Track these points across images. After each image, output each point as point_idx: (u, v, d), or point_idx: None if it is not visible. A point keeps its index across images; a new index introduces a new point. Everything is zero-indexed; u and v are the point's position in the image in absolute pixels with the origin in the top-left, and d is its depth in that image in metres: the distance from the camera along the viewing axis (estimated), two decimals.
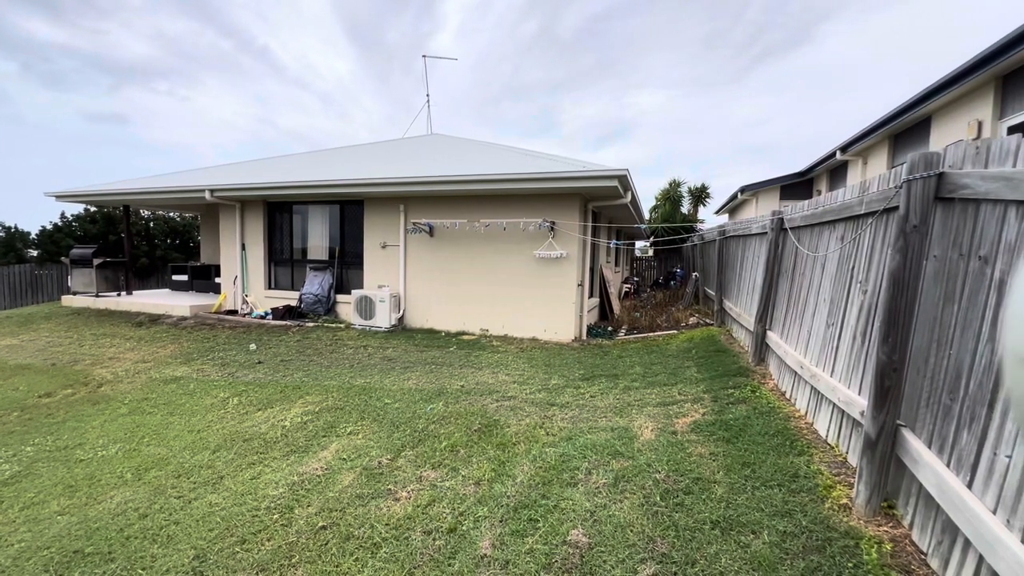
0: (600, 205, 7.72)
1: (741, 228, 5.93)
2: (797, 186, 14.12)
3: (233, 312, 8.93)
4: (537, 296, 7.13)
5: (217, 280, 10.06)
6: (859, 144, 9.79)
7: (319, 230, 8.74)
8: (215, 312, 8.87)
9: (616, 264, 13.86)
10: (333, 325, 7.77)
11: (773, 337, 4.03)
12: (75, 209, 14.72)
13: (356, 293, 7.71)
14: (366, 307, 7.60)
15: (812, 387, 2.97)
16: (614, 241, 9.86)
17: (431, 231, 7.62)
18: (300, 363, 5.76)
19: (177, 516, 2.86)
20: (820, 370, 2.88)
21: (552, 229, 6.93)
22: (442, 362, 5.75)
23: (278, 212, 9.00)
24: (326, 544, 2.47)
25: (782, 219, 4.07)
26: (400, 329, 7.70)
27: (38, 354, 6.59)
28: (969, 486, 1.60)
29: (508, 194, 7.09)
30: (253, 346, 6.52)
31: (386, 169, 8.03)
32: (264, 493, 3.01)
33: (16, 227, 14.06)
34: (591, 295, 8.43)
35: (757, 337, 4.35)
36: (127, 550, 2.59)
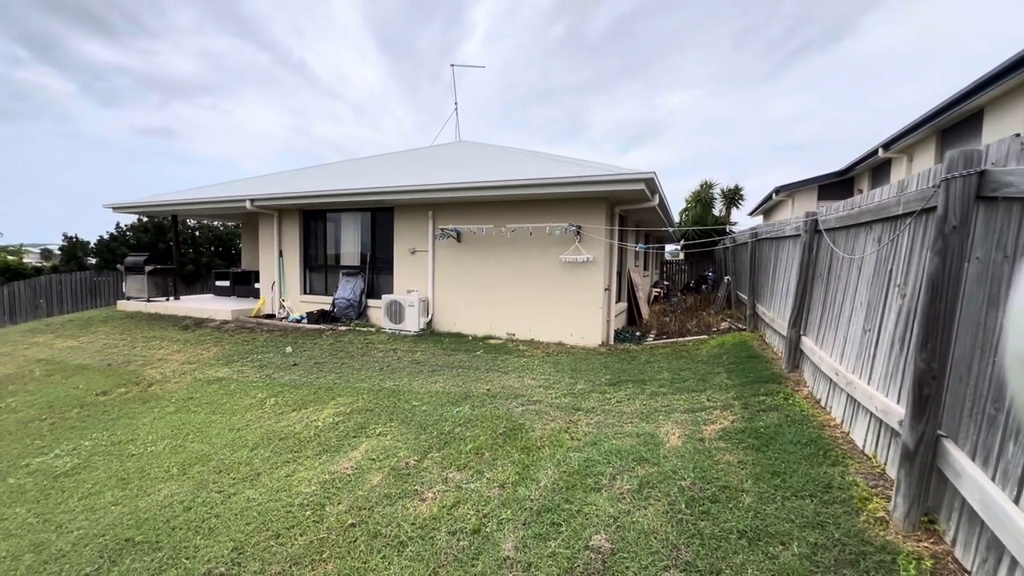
0: (627, 208, 7.65)
1: (774, 230, 5.75)
2: (836, 186, 13.55)
3: (271, 316, 9.32)
4: (563, 300, 7.12)
5: (256, 285, 10.52)
6: (903, 140, 9.32)
7: (351, 237, 9.03)
8: (254, 316, 9.28)
9: (645, 268, 13.65)
10: (364, 329, 7.99)
11: (807, 343, 3.89)
12: (129, 219, 15.73)
13: (386, 298, 7.90)
14: (396, 311, 7.78)
15: (848, 395, 2.86)
16: (641, 245, 9.73)
17: (459, 236, 7.74)
18: (333, 365, 5.95)
19: (218, 510, 3.02)
20: (856, 377, 2.76)
21: (578, 233, 6.92)
22: (469, 366, 5.82)
23: (313, 220, 9.35)
24: (355, 541, 2.55)
25: (816, 220, 3.94)
26: (428, 333, 7.84)
27: (96, 355, 7.07)
28: (1016, 501, 1.51)
29: (534, 199, 7.13)
30: (289, 349, 6.78)
31: (415, 177, 8.22)
32: (298, 490, 3.14)
33: (77, 237, 15.16)
34: (619, 299, 8.35)
35: (791, 343, 4.20)
36: (172, 540, 2.75)
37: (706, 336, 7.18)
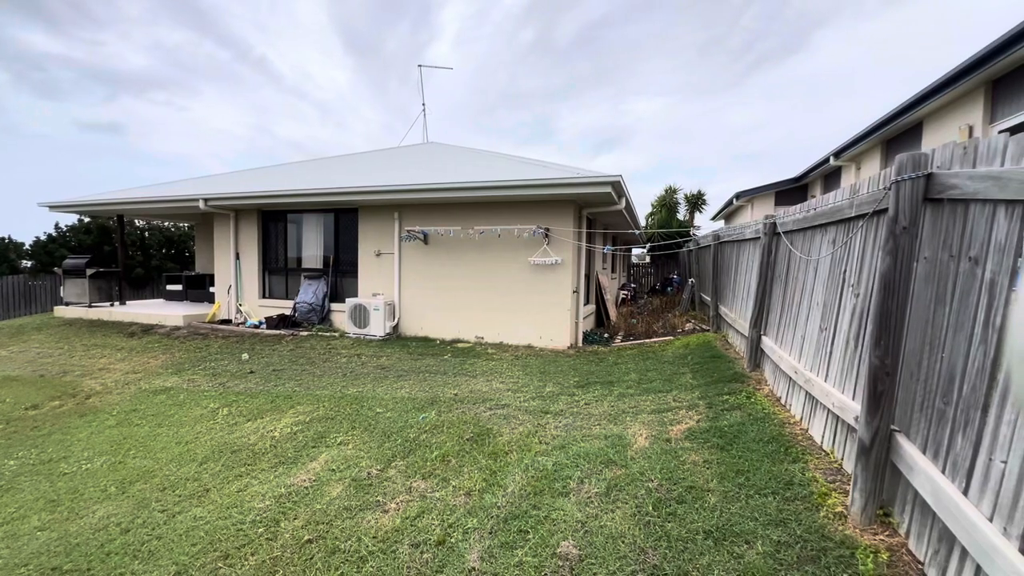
0: (595, 211, 7.73)
1: (735, 233, 5.92)
2: (792, 192, 14.19)
3: (227, 322, 8.87)
4: (532, 303, 7.09)
5: (211, 289, 10.00)
6: (852, 150, 9.85)
7: (313, 238, 8.71)
8: (209, 322, 8.80)
9: (612, 271, 13.85)
10: (327, 334, 7.71)
11: (768, 342, 3.99)
12: (69, 219, 14.68)
13: (350, 301, 7.66)
14: (360, 315, 7.55)
15: (807, 392, 2.93)
16: (608, 247, 9.85)
17: (426, 239, 7.60)
18: (292, 372, 5.70)
19: (160, 531, 2.80)
20: (814, 375, 2.84)
21: (547, 236, 6.92)
22: (436, 370, 5.69)
23: (272, 221, 8.97)
24: (311, 558, 2.41)
25: (775, 223, 4.06)
26: (395, 337, 7.64)
27: (27, 365, 6.51)
28: (965, 493, 1.56)
29: (502, 201, 7.08)
30: (245, 356, 6.45)
31: (381, 177, 8.02)
32: (250, 506, 2.95)
33: (10, 238, 14.01)
34: (587, 302, 8.40)
35: (752, 342, 4.31)
36: (106, 567, 2.52)
37: (672, 337, 7.32)
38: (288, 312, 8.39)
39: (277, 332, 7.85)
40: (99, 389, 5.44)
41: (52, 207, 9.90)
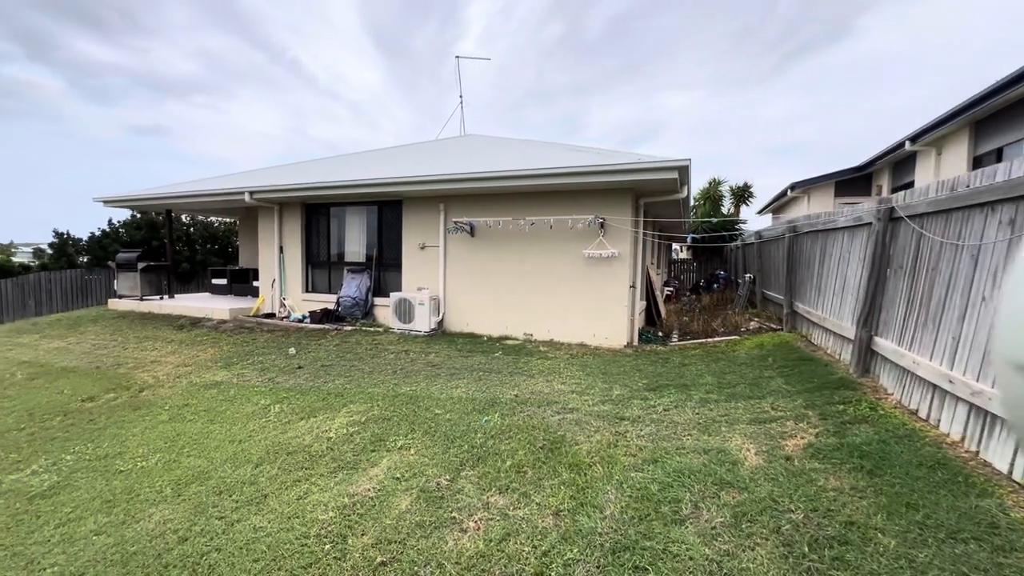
0: (651, 201, 7.22)
1: (820, 222, 5.32)
2: (854, 182, 13.20)
3: (271, 315, 8.83)
4: (586, 299, 6.67)
5: (255, 284, 10.03)
6: (933, 133, 8.95)
7: (356, 232, 8.55)
8: (253, 315, 8.79)
9: (657, 266, 13.24)
10: (371, 329, 7.52)
11: (886, 344, 3.45)
12: (122, 215, 15.20)
13: (395, 296, 7.44)
14: (405, 310, 7.32)
15: (973, 406, 2.42)
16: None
17: (472, 231, 7.29)
18: (341, 368, 5.49)
19: (219, 541, 2.55)
20: (989, 386, 2.32)
21: (603, 227, 6.48)
22: (489, 369, 5.37)
23: (316, 214, 8.87)
24: None
25: (892, 207, 3.51)
26: (440, 333, 7.37)
27: (83, 357, 6.57)
28: None
29: (554, 190, 6.68)
30: (292, 350, 6.31)
31: (426, 167, 7.76)
32: (313, 517, 2.67)
33: (68, 233, 14.57)
34: (641, 298, 7.91)
35: (860, 344, 3.77)
36: None
37: (736, 336, 6.76)
38: (331, 306, 8.26)
39: (321, 326, 7.71)
40: (151, 382, 5.38)
41: (106, 202, 10.14)
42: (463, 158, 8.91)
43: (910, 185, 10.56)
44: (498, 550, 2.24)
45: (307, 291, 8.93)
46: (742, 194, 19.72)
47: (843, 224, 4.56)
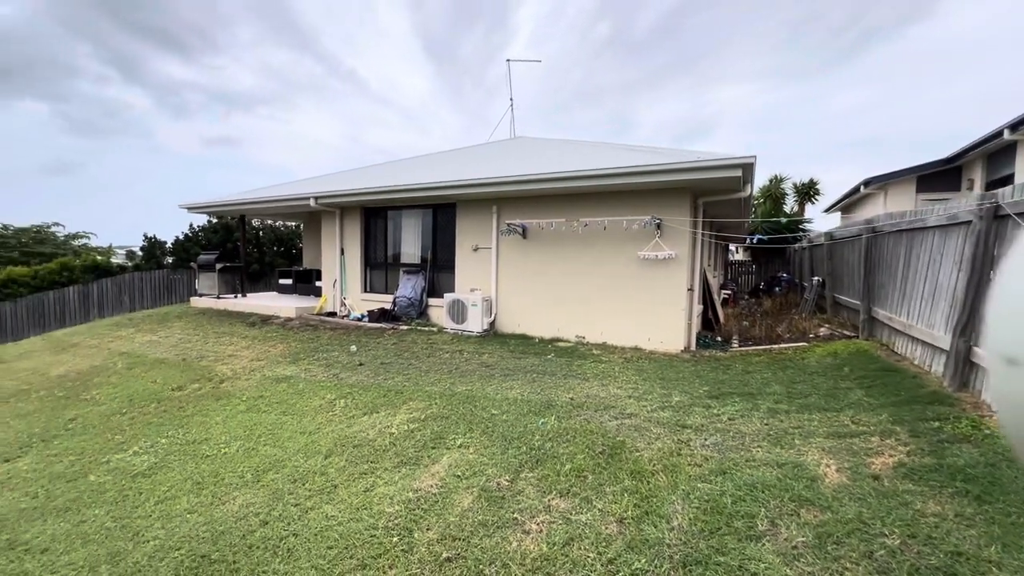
0: (710, 200, 6.94)
1: (905, 222, 4.89)
2: (939, 176, 12.02)
3: (332, 314, 9.30)
4: (641, 301, 6.51)
5: (318, 284, 10.60)
6: None
7: (412, 234, 8.83)
8: (316, 314, 9.29)
9: (714, 268, 12.69)
10: (426, 328, 7.73)
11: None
12: (201, 221, 16.56)
13: (448, 297, 7.61)
14: (458, 311, 7.47)
15: None
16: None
17: (524, 232, 7.32)
18: (399, 366, 5.68)
19: (295, 527, 2.72)
20: None
21: (659, 228, 6.29)
22: (543, 371, 5.36)
23: (374, 218, 9.25)
24: None
25: (997, 205, 3.16)
26: (492, 334, 7.46)
27: (172, 349, 7.22)
28: None
29: (608, 191, 6.58)
30: (354, 348, 6.61)
31: (480, 170, 7.88)
32: (379, 509, 2.79)
33: (156, 237, 16.10)
34: (698, 301, 7.61)
35: (956, 355, 3.42)
36: (250, 561, 2.46)
37: (804, 343, 6.35)
38: (388, 306, 8.58)
39: (379, 325, 8.03)
40: (229, 374, 5.81)
41: (189, 208, 11.11)
42: (514, 160, 8.98)
43: (1008, 179, 9.47)
44: (562, 554, 2.23)
45: (365, 291, 9.33)
46: (807, 192, 18.52)
47: (934, 223, 4.16)
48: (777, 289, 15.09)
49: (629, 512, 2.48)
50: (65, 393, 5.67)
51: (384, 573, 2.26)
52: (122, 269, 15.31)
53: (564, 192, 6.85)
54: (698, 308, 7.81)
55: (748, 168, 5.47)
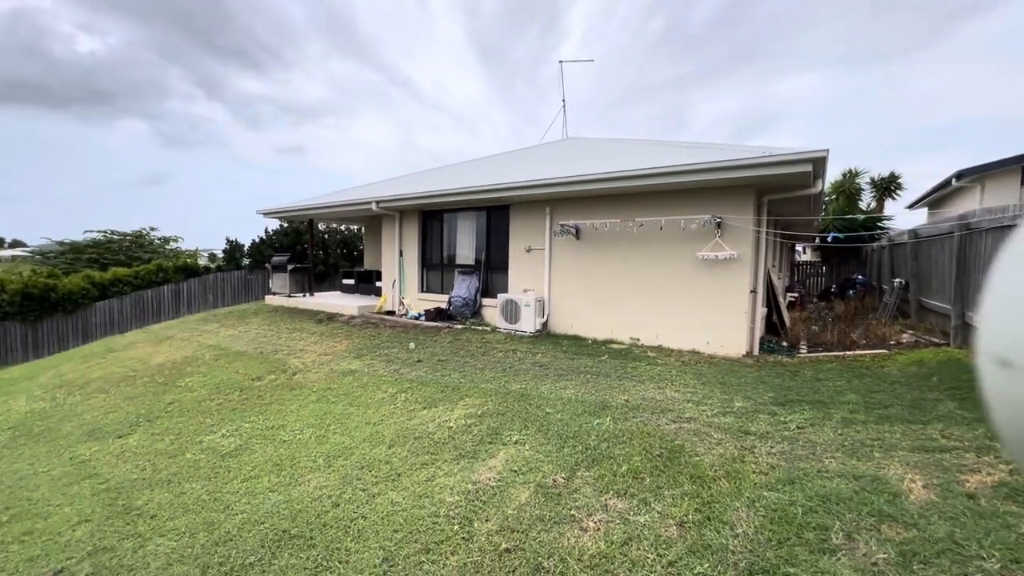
0: (775, 198, 6.57)
1: (1008, 217, 4.40)
2: None
3: (391, 313, 9.73)
4: (699, 303, 6.29)
5: (378, 284, 11.13)
6: None
7: (467, 236, 9.07)
8: (377, 312, 9.77)
9: (779, 269, 11.97)
10: (480, 328, 7.91)
11: None
12: (273, 224, 17.90)
13: (502, 297, 7.74)
14: (511, 311, 7.57)
15: None
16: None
17: (577, 233, 7.30)
18: (455, 364, 5.86)
19: (364, 510, 2.90)
20: None
21: (719, 227, 6.06)
22: (597, 372, 5.33)
23: (430, 220, 9.59)
24: (514, 572, 2.21)
25: None
26: (544, 334, 7.50)
27: (250, 344, 7.87)
28: None
29: (664, 190, 6.42)
30: (412, 345, 6.89)
31: (534, 172, 7.95)
32: (440, 498, 2.91)
33: (236, 240, 17.63)
34: (761, 304, 7.23)
35: None
36: (325, 538, 2.67)
37: (883, 350, 5.87)
38: (443, 306, 8.86)
39: (435, 324, 8.31)
40: (301, 367, 6.26)
41: (266, 213, 12.05)
42: (567, 161, 8.97)
43: None
44: (620, 553, 2.24)
45: (422, 291, 9.69)
46: (887, 186, 17.00)
47: None
48: (851, 292, 13.98)
49: (690, 516, 2.43)
50: (164, 380, 6.36)
51: (447, 558, 2.37)
52: (207, 270, 16.85)
53: (618, 192, 6.77)
54: (762, 311, 7.42)
55: (819, 162, 5.14)
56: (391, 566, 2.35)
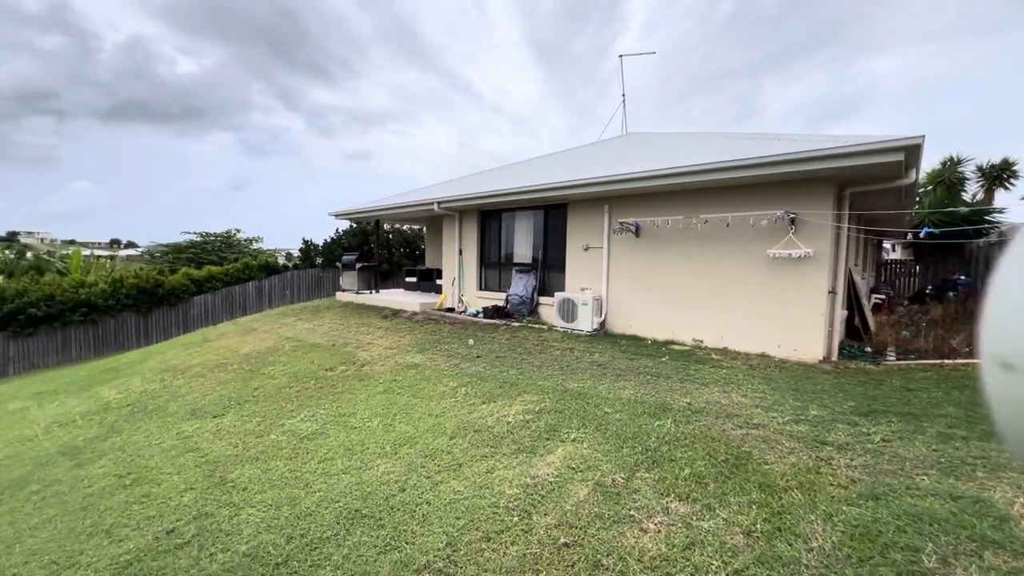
0: (859, 191, 6.03)
1: None
2: None
3: (451, 310, 10.05)
4: (770, 304, 5.93)
5: (438, 281, 11.52)
6: None
7: (524, 235, 9.15)
8: (437, 309, 10.13)
9: (863, 269, 10.96)
10: (536, 326, 7.96)
11: None
12: (343, 226, 19.07)
13: (558, 295, 7.74)
14: (568, 309, 7.55)
15: None
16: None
17: (637, 231, 7.13)
18: (513, 360, 5.96)
19: (428, 496, 3.06)
20: None
21: (793, 223, 5.67)
22: (656, 373, 5.19)
23: (489, 220, 9.78)
24: (573, 566, 2.24)
25: None
26: (602, 333, 7.41)
27: (323, 336, 8.47)
28: None
29: (732, 185, 6.10)
30: (471, 341, 7.08)
31: (592, 170, 7.87)
32: (500, 490, 3.00)
33: (311, 241, 19.00)
34: (841, 306, 6.68)
35: None
36: (393, 520, 2.84)
37: None
38: (501, 303, 9.01)
39: (493, 321, 8.48)
40: (368, 360, 6.65)
41: (337, 215, 12.89)
42: (626, 158, 8.78)
43: None
44: (682, 557, 2.20)
45: (480, 289, 9.91)
46: (998, 174, 14.97)
47: None
48: (951, 294, 12.49)
49: (758, 526, 2.33)
50: (250, 367, 7.01)
51: (507, 548, 2.45)
52: (285, 268, 18.28)
53: (681, 188, 6.53)
54: (842, 314, 6.85)
55: (913, 151, 4.67)
56: (454, 551, 2.47)
